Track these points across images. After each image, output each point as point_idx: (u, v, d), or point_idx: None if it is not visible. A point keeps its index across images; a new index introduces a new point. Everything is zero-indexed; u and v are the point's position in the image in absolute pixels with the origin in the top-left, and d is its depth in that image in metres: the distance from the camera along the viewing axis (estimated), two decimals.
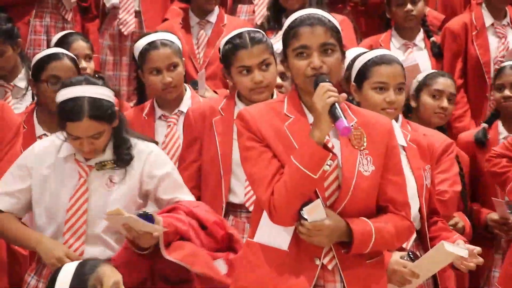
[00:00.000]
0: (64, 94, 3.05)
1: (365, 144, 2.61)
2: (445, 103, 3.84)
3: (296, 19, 2.60)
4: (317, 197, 2.56)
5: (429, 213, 3.05)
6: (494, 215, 3.92)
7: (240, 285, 2.69)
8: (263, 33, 3.50)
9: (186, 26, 4.73)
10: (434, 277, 3.09)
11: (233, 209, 3.29)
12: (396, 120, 3.27)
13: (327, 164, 2.49)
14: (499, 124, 4.04)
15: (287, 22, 2.64)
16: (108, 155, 3.07)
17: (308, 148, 2.48)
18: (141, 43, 3.68)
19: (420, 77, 3.99)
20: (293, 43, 2.54)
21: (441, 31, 4.79)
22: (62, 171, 3.11)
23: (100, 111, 2.98)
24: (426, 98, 3.87)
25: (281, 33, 2.79)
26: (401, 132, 3.14)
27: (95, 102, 3.02)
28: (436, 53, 4.63)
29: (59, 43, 4.25)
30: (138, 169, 3.10)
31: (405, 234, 2.70)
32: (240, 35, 3.38)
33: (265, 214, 2.59)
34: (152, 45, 3.64)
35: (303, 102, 2.58)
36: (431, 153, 3.16)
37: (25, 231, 3.13)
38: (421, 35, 4.70)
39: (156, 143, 3.33)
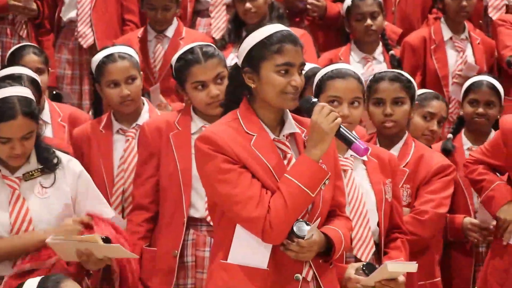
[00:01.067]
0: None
1: None
2: (435, 126, 3.84)
3: (279, 34, 2.63)
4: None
5: (390, 227, 3.09)
6: (473, 220, 3.87)
7: None
8: (214, 46, 3.52)
9: (143, 39, 4.77)
10: None
11: (193, 223, 3.30)
12: (398, 140, 3.44)
13: (324, 183, 2.58)
14: (462, 136, 4.07)
15: (262, 34, 2.66)
16: (33, 164, 3.09)
17: (308, 167, 2.54)
18: (99, 56, 3.68)
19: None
20: (275, 58, 2.55)
21: (399, 45, 4.86)
22: None
23: (31, 108, 3.00)
24: (417, 118, 3.83)
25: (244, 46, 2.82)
26: None
27: (26, 101, 3.04)
28: (395, 66, 4.65)
29: (11, 57, 4.26)
30: (69, 177, 3.14)
31: (351, 233, 2.89)
32: (191, 50, 3.39)
33: (238, 234, 2.61)
34: (109, 58, 3.65)
35: (260, 118, 2.59)
36: (392, 168, 3.18)
37: (19, 239, 3.14)
38: (380, 48, 4.78)
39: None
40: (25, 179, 3.07)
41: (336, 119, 2.56)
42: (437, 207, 3.40)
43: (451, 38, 4.74)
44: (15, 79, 3.63)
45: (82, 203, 3.17)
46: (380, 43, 4.86)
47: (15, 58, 4.20)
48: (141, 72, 3.78)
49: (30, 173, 3.07)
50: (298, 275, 2.62)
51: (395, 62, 4.74)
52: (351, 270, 2.99)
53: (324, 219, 2.74)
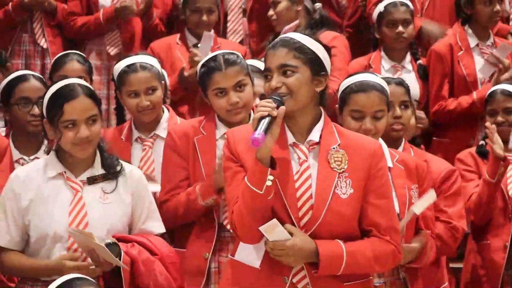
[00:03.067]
0: (55, 87, 3.08)
1: (345, 166, 2.62)
2: (397, 111, 3.52)
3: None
4: (289, 216, 2.59)
5: (415, 232, 3.14)
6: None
7: None
8: (238, 54, 3.52)
9: (183, 45, 4.88)
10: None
11: (219, 228, 3.37)
12: (399, 144, 3.38)
13: (269, 180, 2.53)
14: None
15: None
16: (97, 169, 3.09)
17: (253, 166, 2.53)
18: (120, 65, 3.72)
19: None
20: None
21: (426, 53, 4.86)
22: (52, 190, 3.10)
23: (92, 91, 3.06)
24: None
25: None
26: (388, 153, 3.17)
27: (86, 86, 3.09)
28: (422, 75, 4.72)
29: (55, 65, 4.27)
30: (131, 187, 3.14)
31: (388, 258, 2.69)
32: (214, 58, 3.42)
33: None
34: (131, 68, 3.66)
35: (288, 124, 2.62)
36: (419, 174, 3.22)
37: (40, 263, 3.14)
38: (408, 57, 4.79)
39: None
40: (88, 183, 3.08)
41: (258, 112, 2.55)
42: (464, 224, 3.50)
43: (477, 44, 4.73)
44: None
45: (137, 212, 3.21)
46: (408, 52, 4.82)
47: (57, 66, 4.24)
48: (163, 82, 3.78)
49: (94, 177, 3.08)
50: (286, 277, 2.62)
51: (421, 71, 4.75)
52: None
53: (347, 235, 2.67)
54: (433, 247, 3.22)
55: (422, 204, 3.11)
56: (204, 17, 4.78)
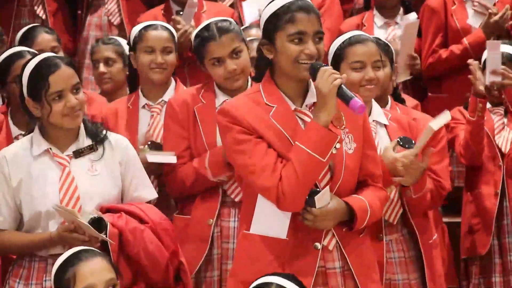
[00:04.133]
0: (33, 62, 3.10)
1: (344, 123, 2.66)
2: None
3: (291, 3, 2.65)
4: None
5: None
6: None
7: (241, 279, 2.71)
8: (231, 20, 3.55)
9: (167, 15, 4.78)
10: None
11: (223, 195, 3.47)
12: (386, 102, 3.42)
13: (335, 147, 2.56)
14: None
15: (276, 5, 2.68)
16: (82, 142, 3.11)
17: (316, 133, 2.53)
18: (140, 26, 3.82)
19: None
20: (288, 27, 2.57)
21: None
22: (40, 168, 3.13)
23: (70, 60, 3.12)
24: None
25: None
26: (382, 111, 3.28)
27: (62, 56, 3.17)
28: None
29: (22, 40, 4.29)
30: (118, 156, 3.15)
31: (385, 203, 2.88)
32: (207, 27, 3.45)
33: (259, 205, 2.64)
34: (151, 27, 3.78)
35: (282, 90, 2.62)
36: (412, 131, 3.29)
37: (32, 238, 3.16)
38: (401, 13, 4.79)
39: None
40: (75, 157, 3.08)
41: (335, 80, 2.54)
42: (449, 182, 3.55)
43: None
44: None
45: (127, 181, 3.21)
46: (401, 8, 4.84)
47: (26, 41, 4.25)
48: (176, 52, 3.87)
49: (80, 150, 3.08)
50: (317, 244, 2.64)
51: None
52: (389, 152, 3.10)
53: (354, 188, 2.75)
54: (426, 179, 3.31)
55: (439, 122, 3.13)
56: None
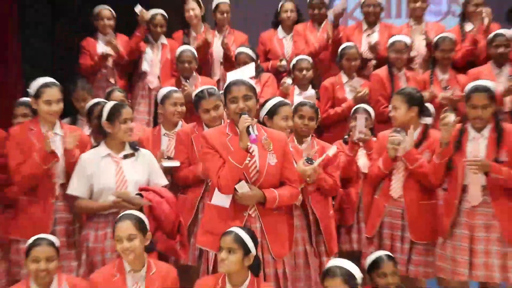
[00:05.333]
0: (111, 103, 4.00)
1: (271, 147, 3.47)
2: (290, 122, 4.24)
3: (231, 82, 3.42)
4: (245, 178, 3.37)
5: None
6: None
7: (205, 229, 3.54)
8: (215, 88, 4.42)
9: (179, 83, 5.79)
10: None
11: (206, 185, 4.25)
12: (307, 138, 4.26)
13: (248, 160, 3.31)
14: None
15: (226, 83, 3.43)
16: (127, 150, 4.02)
17: (238, 152, 3.29)
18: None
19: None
20: (228, 95, 3.40)
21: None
22: (104, 163, 3.94)
23: (130, 105, 3.95)
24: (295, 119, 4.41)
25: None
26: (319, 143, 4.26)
27: (126, 104, 4.00)
28: (319, 98, 5.84)
29: (107, 96, 5.24)
30: (145, 160, 4.06)
31: (296, 196, 3.59)
32: (201, 91, 4.35)
33: (216, 189, 3.44)
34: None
35: (236, 126, 3.34)
36: (320, 152, 4.16)
37: (99, 204, 4.00)
38: (313, 91, 5.76)
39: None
40: (123, 158, 4.01)
41: (245, 123, 3.19)
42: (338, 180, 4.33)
43: (347, 81, 5.77)
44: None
45: (151, 174, 4.07)
46: (310, 85, 5.94)
47: (108, 97, 5.20)
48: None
49: (126, 155, 4.04)
50: (245, 212, 3.42)
51: (319, 96, 5.78)
52: (300, 165, 3.84)
53: (276, 185, 3.45)
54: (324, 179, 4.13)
55: (330, 151, 4.04)
56: (186, 65, 5.86)
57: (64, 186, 4.16)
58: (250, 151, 3.31)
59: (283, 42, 6.46)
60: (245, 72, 3.56)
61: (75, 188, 3.95)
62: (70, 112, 5.24)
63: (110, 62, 6.30)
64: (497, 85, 4.85)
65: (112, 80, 6.36)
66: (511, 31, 5.66)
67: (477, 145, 4.10)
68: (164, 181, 4.11)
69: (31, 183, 4.15)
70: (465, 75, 5.68)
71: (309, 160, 3.91)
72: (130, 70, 6.50)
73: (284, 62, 6.24)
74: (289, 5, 6.49)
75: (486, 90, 4.10)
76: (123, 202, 3.74)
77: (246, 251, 3.26)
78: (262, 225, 3.40)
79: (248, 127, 3.19)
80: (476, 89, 4.11)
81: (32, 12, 6.96)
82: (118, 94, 5.17)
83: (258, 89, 3.88)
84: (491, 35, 5.65)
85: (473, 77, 5.18)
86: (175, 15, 6.50)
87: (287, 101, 4.20)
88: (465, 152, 4.14)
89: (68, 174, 4.12)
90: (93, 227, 3.95)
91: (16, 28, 6.79)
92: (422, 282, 4.64)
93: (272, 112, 4.02)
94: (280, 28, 6.52)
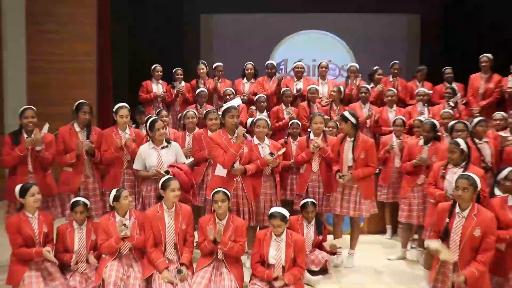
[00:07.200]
0: (152, 116, 5.96)
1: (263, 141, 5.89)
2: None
3: (229, 106, 5.53)
4: (239, 161, 5.67)
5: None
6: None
7: (211, 188, 5.61)
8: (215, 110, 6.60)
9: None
10: None
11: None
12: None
13: (242, 150, 5.54)
14: None
15: (225, 107, 5.57)
16: (164, 143, 6.01)
17: (236, 146, 5.53)
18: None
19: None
20: (227, 114, 5.54)
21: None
22: (150, 152, 5.97)
23: (161, 120, 5.86)
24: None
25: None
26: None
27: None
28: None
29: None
30: (174, 148, 6.07)
31: (261, 165, 5.73)
32: (209, 110, 6.63)
33: (218, 166, 5.68)
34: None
35: (228, 132, 5.57)
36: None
37: (148, 173, 6.05)
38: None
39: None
40: (161, 149, 6.06)
41: (241, 131, 5.19)
42: None
43: None
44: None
45: (177, 156, 6.12)
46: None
47: (158, 114, 7.47)
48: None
49: (163, 146, 6.05)
50: (235, 179, 5.67)
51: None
52: (266, 157, 5.73)
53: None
54: None
55: (281, 150, 5.84)
56: (203, 99, 8.59)
57: (129, 162, 6.72)
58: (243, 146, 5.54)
59: (245, 86, 9.82)
60: (236, 102, 5.98)
61: (136, 164, 6.37)
62: (135, 122, 8.22)
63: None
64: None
65: (160, 104, 9.63)
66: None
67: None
68: (184, 159, 6.29)
69: (110, 161, 6.80)
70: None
71: (271, 154, 5.97)
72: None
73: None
74: (249, 65, 9.97)
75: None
76: (158, 173, 6.08)
77: (228, 200, 5.51)
78: (243, 184, 5.75)
79: (244, 133, 5.56)
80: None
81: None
82: (164, 113, 7.89)
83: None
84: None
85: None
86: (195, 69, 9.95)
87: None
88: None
89: (132, 157, 6.59)
90: (145, 185, 6.32)
91: (110, 68, 10.72)
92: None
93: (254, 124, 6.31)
94: (245, 78, 10.02)
